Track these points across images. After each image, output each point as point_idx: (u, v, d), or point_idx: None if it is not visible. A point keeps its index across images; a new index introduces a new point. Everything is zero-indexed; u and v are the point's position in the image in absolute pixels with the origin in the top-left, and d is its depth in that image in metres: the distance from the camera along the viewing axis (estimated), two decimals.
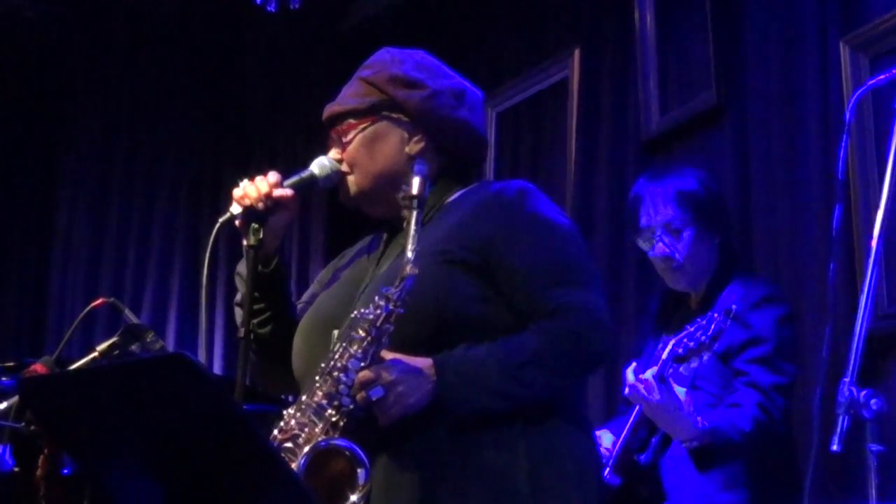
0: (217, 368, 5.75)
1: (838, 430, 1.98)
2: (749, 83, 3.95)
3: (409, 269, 2.08)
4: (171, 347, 5.24)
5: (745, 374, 3.08)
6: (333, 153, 2.40)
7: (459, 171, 2.41)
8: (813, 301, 3.54)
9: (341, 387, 2.10)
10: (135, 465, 1.95)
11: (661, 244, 3.27)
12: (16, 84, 6.13)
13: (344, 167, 2.38)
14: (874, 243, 2.13)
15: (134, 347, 3.02)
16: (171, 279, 6.03)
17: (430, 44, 2.74)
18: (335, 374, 2.11)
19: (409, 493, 2.12)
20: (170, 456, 1.90)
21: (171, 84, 6.19)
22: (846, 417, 1.99)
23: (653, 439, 3.18)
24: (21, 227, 6.17)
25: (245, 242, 2.32)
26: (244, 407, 2.05)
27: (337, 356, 2.13)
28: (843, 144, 2.31)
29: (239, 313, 2.36)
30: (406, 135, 2.36)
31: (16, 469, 3.22)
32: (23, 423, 2.99)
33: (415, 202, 2.14)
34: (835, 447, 1.97)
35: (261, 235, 2.30)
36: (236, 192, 2.32)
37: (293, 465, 2.05)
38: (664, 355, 2.93)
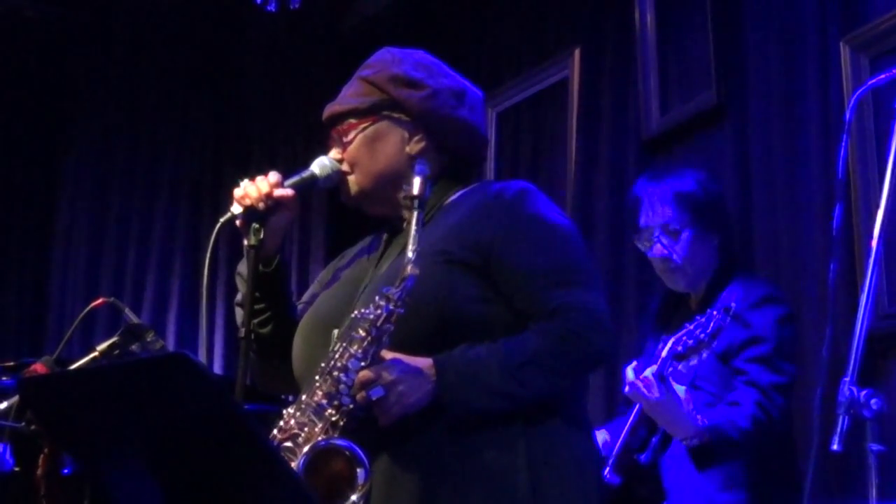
0: (217, 368, 5.75)
1: (838, 429, 1.98)
2: (749, 83, 3.95)
3: (409, 269, 2.07)
4: (171, 347, 5.24)
5: (745, 372, 3.08)
6: (334, 153, 2.40)
7: (460, 170, 2.41)
8: (813, 301, 3.54)
9: (341, 386, 2.10)
10: (135, 464, 1.95)
11: (658, 245, 3.27)
12: (16, 84, 6.13)
13: (344, 167, 2.38)
14: (874, 243, 2.13)
15: (134, 347, 3.02)
16: (172, 279, 6.03)
17: (430, 44, 2.74)
18: (335, 373, 2.11)
19: (408, 493, 2.12)
20: (170, 456, 1.90)
21: (171, 84, 6.20)
22: (846, 417, 1.99)
23: (653, 439, 3.18)
24: (21, 227, 6.17)
25: (246, 242, 2.32)
26: (244, 406, 2.05)
27: (337, 356, 2.13)
28: (843, 144, 2.32)
29: (239, 313, 2.36)
30: (407, 134, 2.36)
31: (16, 468, 3.22)
32: (23, 423, 2.99)
33: (415, 202, 2.14)
34: (835, 447, 1.97)
35: (261, 235, 2.30)
36: (237, 192, 2.32)
37: (293, 465, 2.05)
38: (664, 353, 2.94)
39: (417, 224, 2.11)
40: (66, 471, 3.02)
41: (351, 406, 2.10)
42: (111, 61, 6.20)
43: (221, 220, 2.33)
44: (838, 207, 2.32)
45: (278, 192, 2.32)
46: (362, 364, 2.10)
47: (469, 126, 2.40)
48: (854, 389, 2.00)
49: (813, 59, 3.72)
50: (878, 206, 2.16)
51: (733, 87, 3.99)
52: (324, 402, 2.11)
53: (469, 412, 2.13)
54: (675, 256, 3.26)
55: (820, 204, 3.60)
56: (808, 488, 2.29)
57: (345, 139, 2.38)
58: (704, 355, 2.92)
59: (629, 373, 3.00)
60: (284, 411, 2.16)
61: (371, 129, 2.36)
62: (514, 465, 2.14)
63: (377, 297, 2.11)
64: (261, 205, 2.30)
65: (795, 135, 3.75)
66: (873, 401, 2.00)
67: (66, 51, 6.19)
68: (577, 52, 4.65)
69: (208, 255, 2.41)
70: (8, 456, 3.20)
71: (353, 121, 2.37)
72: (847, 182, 3.43)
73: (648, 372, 2.95)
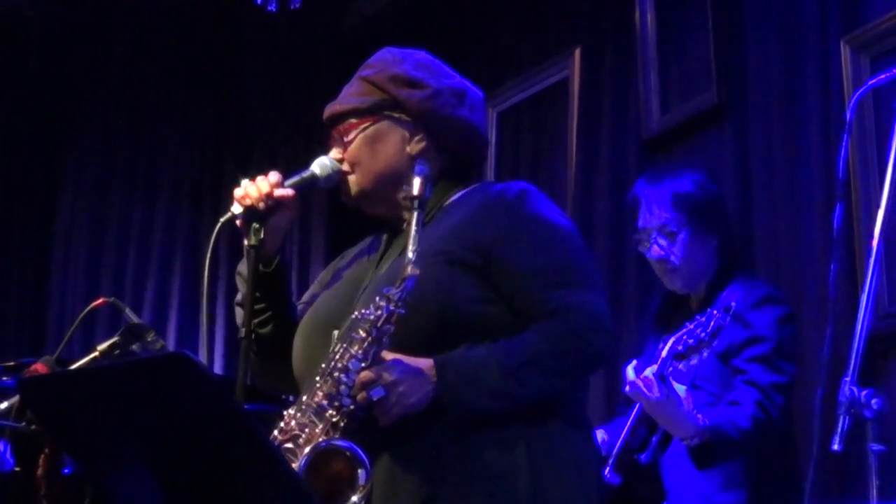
0: (218, 368, 5.75)
1: (839, 429, 1.98)
2: (749, 83, 3.95)
3: (410, 269, 2.07)
4: (171, 347, 5.23)
5: (745, 372, 3.08)
6: (334, 153, 2.40)
7: (460, 171, 2.41)
8: (813, 301, 3.54)
9: (342, 387, 2.10)
10: (135, 464, 1.95)
11: (656, 246, 3.28)
12: (16, 84, 6.12)
13: (345, 167, 2.38)
14: (875, 243, 2.13)
15: (135, 347, 3.02)
16: (172, 279, 6.03)
17: (431, 44, 2.74)
18: (336, 374, 2.11)
19: (409, 494, 2.12)
20: (170, 456, 1.90)
21: (171, 84, 6.20)
22: (847, 417, 1.99)
23: (653, 438, 3.18)
24: (21, 227, 6.17)
25: (246, 242, 2.32)
26: (245, 407, 2.05)
27: (337, 356, 2.13)
28: (843, 144, 2.32)
29: (240, 313, 2.36)
30: (407, 134, 2.36)
31: (16, 468, 3.22)
32: (23, 423, 2.99)
33: (416, 202, 2.14)
34: (835, 447, 1.97)
35: (262, 235, 2.30)
36: (237, 192, 2.32)
37: (294, 466, 2.05)
38: (664, 353, 2.94)
39: (418, 224, 2.11)
40: (66, 471, 3.02)
41: (352, 407, 2.10)
42: (111, 61, 6.19)
43: (222, 219, 2.33)
44: (838, 207, 2.32)
45: (279, 192, 2.32)
46: (363, 365, 2.10)
47: (470, 126, 2.40)
48: (854, 389, 2.00)
49: (813, 59, 3.73)
50: (878, 206, 2.16)
51: (733, 87, 3.99)
52: (324, 402, 2.11)
53: (469, 412, 2.13)
54: (672, 258, 3.27)
55: (820, 204, 3.60)
56: (809, 488, 2.29)
57: (345, 139, 2.38)
58: (705, 355, 2.92)
59: (629, 372, 3.00)
60: (285, 412, 2.15)
61: (372, 128, 2.36)
62: (515, 466, 2.14)
63: (377, 298, 2.11)
64: (261, 205, 2.30)
65: (795, 135, 3.75)
66: (874, 401, 2.00)
67: (66, 51, 6.18)
68: (577, 52, 4.65)
69: (209, 254, 2.41)
70: (8, 456, 3.20)
71: (353, 120, 2.37)
72: (847, 182, 3.43)
73: (649, 371, 2.95)
